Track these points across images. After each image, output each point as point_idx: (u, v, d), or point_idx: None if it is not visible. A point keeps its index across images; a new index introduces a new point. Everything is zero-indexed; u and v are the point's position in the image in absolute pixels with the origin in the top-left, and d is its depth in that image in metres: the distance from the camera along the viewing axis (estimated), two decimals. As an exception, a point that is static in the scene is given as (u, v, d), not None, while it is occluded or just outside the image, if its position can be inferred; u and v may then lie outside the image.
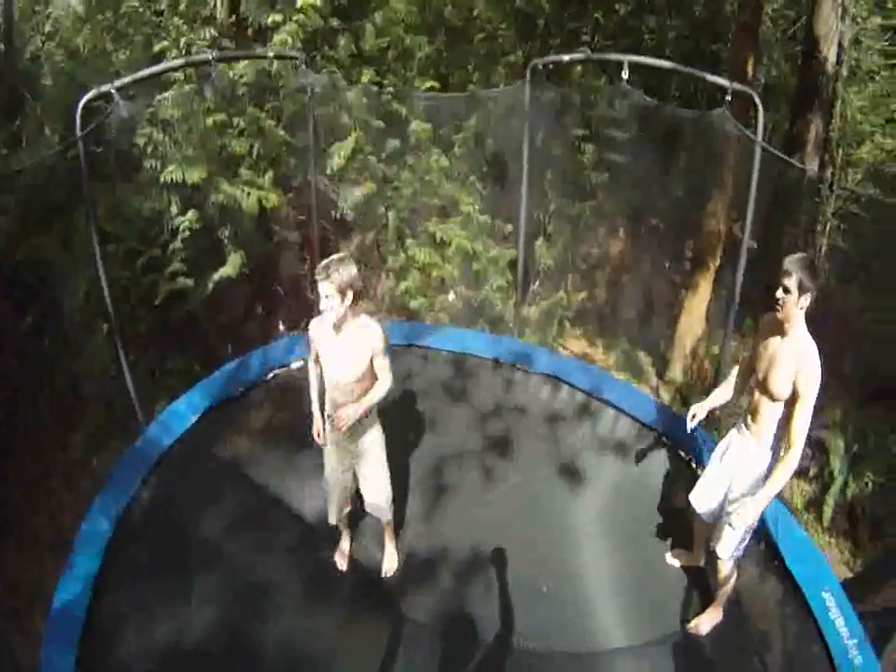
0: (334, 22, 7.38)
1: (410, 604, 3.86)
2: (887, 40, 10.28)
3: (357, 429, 3.54)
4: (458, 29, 8.66)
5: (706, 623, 3.76)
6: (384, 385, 3.48)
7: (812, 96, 8.87)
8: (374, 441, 3.70)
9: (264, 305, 7.21)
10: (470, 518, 4.40)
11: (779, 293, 3.09)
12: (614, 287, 9.64)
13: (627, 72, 4.94)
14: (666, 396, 8.42)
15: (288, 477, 4.56)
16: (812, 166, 9.17)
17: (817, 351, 3.10)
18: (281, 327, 7.01)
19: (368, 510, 3.93)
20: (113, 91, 4.45)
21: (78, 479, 5.60)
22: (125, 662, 3.39)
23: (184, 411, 5.01)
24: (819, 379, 3.05)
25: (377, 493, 3.82)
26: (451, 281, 7.95)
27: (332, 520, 3.94)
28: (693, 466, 4.78)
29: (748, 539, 3.49)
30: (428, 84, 7.71)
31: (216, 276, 6.46)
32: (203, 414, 5.06)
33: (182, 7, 6.90)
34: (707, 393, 8.18)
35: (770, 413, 3.29)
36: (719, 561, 3.57)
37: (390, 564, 4.10)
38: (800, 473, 7.94)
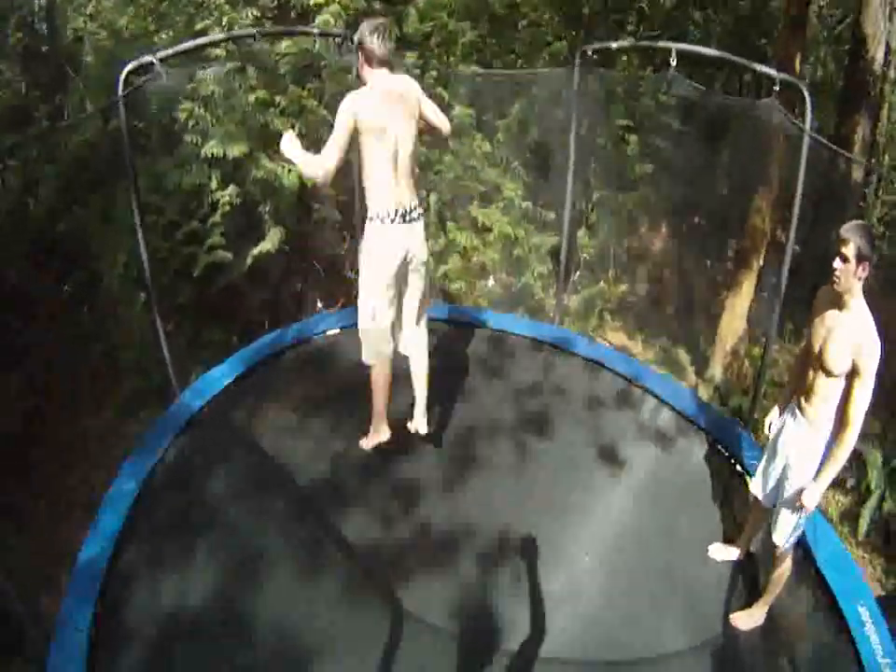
0: (377, 5, 7.35)
1: (430, 584, 3.67)
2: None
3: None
4: (502, 16, 8.56)
5: (746, 621, 3.56)
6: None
7: (859, 97, 8.63)
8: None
9: (301, 282, 7.15)
10: (501, 496, 4.24)
11: (836, 263, 2.89)
12: (655, 281, 9.50)
13: (675, 60, 4.71)
14: (705, 394, 8.18)
15: (317, 443, 4.49)
16: (858, 171, 8.90)
17: (874, 324, 2.94)
18: (318, 304, 6.92)
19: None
20: (155, 60, 4.30)
21: (113, 443, 5.57)
22: (140, 617, 3.33)
23: (218, 378, 4.96)
24: (879, 352, 2.91)
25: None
26: (491, 266, 7.83)
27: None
28: (733, 464, 4.56)
29: (803, 526, 3.34)
30: (472, 70, 7.59)
31: (255, 251, 6.39)
32: (235, 382, 4.99)
33: (225, -13, 6.92)
34: (746, 393, 7.97)
35: (825, 390, 3.11)
36: (775, 550, 3.42)
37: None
38: (836, 484, 7.63)
